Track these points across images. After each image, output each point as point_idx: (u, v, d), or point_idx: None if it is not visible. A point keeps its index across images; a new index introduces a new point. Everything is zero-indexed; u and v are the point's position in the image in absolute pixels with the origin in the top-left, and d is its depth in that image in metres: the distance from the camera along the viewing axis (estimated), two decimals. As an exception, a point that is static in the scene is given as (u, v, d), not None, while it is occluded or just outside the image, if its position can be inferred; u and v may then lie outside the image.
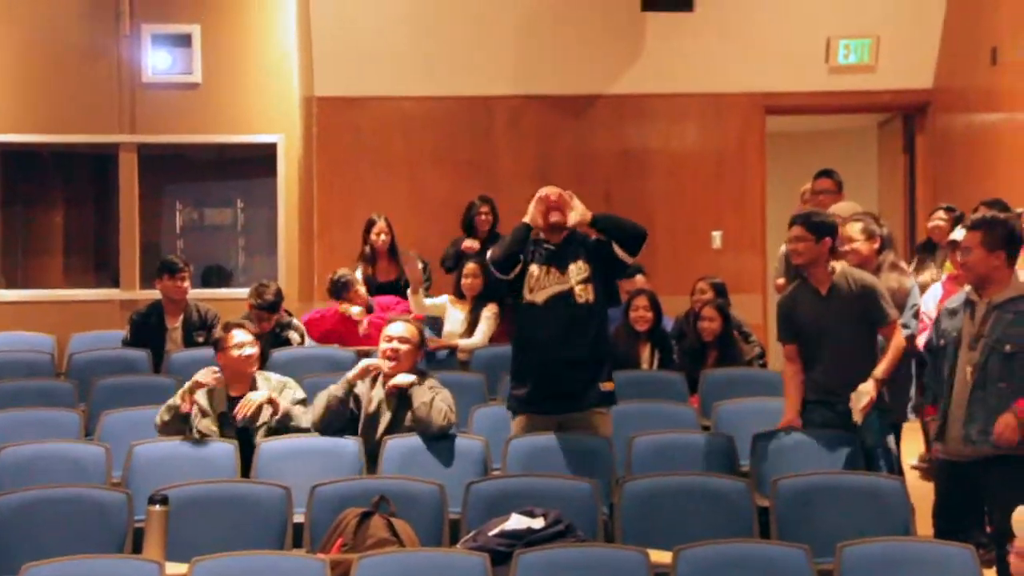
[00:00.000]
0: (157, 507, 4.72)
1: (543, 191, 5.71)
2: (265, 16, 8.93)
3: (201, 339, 7.65)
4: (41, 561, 4.29)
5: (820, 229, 5.62)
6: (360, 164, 10.03)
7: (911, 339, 5.97)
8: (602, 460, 5.64)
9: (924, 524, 5.19)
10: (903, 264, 6.55)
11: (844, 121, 11.35)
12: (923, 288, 6.68)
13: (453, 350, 7.62)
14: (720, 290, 7.86)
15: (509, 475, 5.47)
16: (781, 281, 7.39)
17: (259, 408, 5.82)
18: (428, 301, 7.85)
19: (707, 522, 5.02)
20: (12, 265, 9.14)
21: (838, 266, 5.72)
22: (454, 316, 7.76)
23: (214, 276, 9.32)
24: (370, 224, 8.38)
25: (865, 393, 5.43)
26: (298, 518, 5.12)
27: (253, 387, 5.91)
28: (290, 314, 7.84)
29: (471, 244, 8.43)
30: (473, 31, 10.00)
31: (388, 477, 5.42)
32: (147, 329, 7.68)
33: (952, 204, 7.68)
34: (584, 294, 5.57)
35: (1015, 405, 4.81)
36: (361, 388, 5.86)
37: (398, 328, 5.91)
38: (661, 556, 4.48)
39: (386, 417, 5.77)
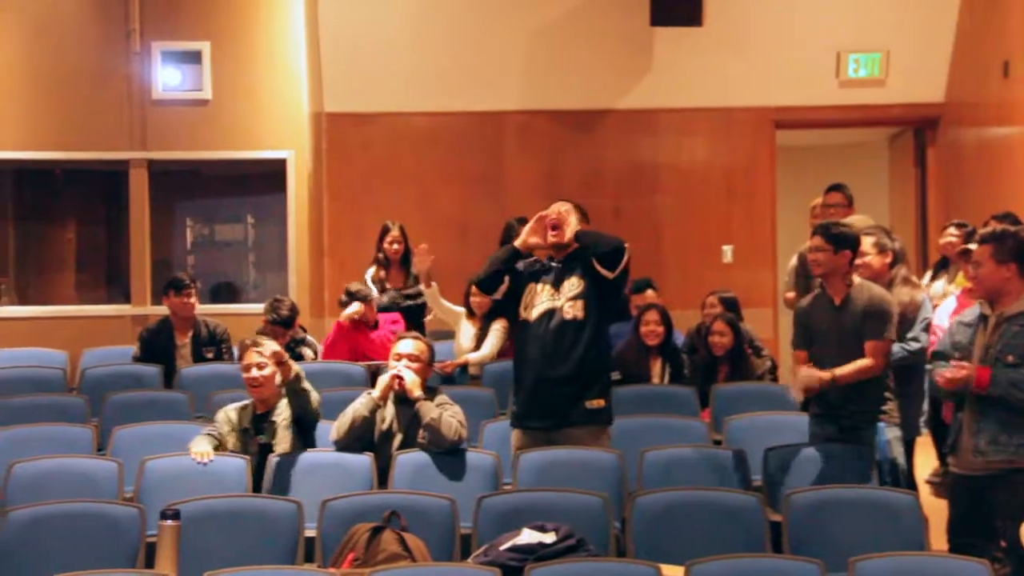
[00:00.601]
0: (169, 522, 4.70)
1: (548, 209, 5.68)
2: (274, 33, 8.96)
3: (210, 355, 7.67)
4: (54, 576, 4.31)
5: (840, 240, 5.63)
6: (370, 179, 10.05)
7: (923, 352, 5.96)
8: (613, 475, 5.63)
9: (938, 539, 5.17)
10: (915, 278, 6.54)
11: (855, 135, 11.35)
12: (935, 302, 6.67)
13: (464, 366, 7.61)
14: (730, 304, 7.86)
15: (520, 490, 5.45)
16: (791, 295, 7.38)
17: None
18: (446, 303, 7.85)
19: (719, 537, 4.99)
20: (25, 281, 9.18)
21: (857, 279, 5.71)
22: (466, 332, 7.76)
23: (225, 292, 9.33)
24: (384, 231, 8.39)
25: (814, 377, 5.41)
26: (309, 533, 5.11)
27: (277, 404, 5.89)
28: (304, 330, 7.84)
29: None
30: (482, 46, 10.02)
31: (399, 492, 5.41)
32: (157, 345, 7.69)
33: (964, 219, 7.67)
34: (572, 310, 5.50)
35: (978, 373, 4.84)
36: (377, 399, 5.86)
37: (407, 346, 5.91)
38: (673, 571, 4.46)
39: (399, 437, 5.79)
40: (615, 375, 7.26)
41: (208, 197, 9.56)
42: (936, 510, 5.61)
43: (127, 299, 8.93)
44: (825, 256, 5.62)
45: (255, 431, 5.85)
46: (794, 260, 7.53)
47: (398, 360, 5.85)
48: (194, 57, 8.85)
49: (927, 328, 6.10)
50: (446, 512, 5.16)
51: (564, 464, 5.56)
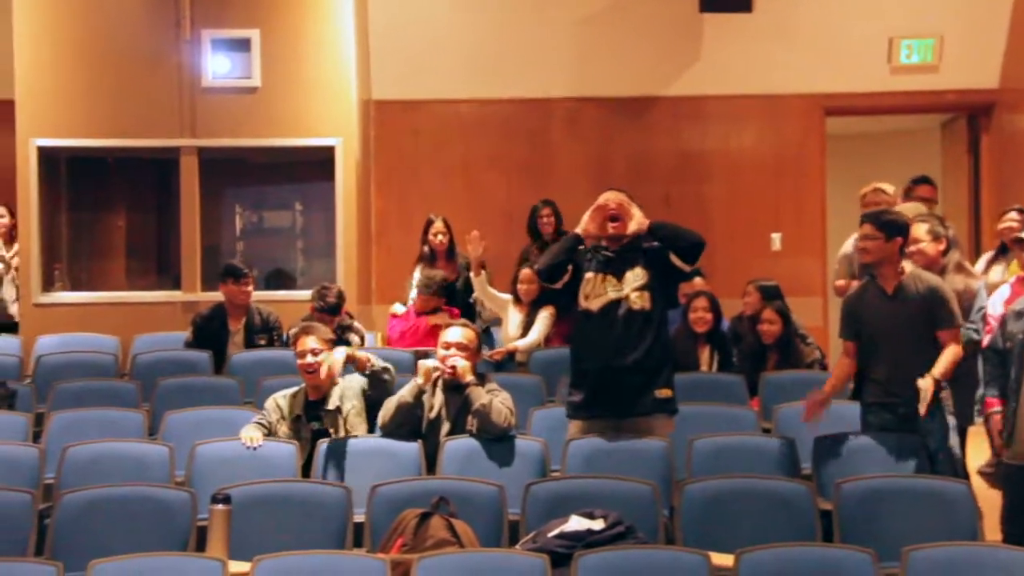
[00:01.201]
0: (220, 506, 4.75)
1: (603, 198, 5.67)
2: (323, 20, 8.96)
3: (263, 342, 7.71)
4: (106, 559, 4.34)
5: (890, 228, 5.58)
6: (418, 167, 10.07)
7: (977, 342, 5.90)
8: (662, 462, 5.61)
9: (991, 530, 5.12)
10: (968, 265, 6.49)
11: (906, 122, 11.23)
12: (991, 289, 6.59)
13: (511, 353, 7.62)
14: (772, 292, 7.78)
15: (569, 476, 5.45)
16: (842, 283, 7.32)
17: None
18: (493, 291, 7.86)
19: (768, 525, 4.97)
20: (78, 267, 9.25)
21: (908, 267, 5.65)
22: (513, 320, 7.76)
23: (273, 279, 9.37)
24: (428, 224, 8.42)
25: (924, 390, 5.37)
26: (358, 518, 5.14)
27: (330, 391, 5.92)
28: (351, 316, 7.87)
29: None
30: (530, 33, 10.00)
31: (448, 478, 5.43)
32: (210, 332, 7.74)
33: (1021, 205, 7.57)
34: (640, 301, 5.53)
35: None
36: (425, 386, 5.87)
37: (456, 334, 5.91)
38: (723, 559, 4.45)
39: (447, 424, 5.79)
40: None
41: (257, 184, 9.58)
42: (988, 500, 5.56)
43: (177, 285, 8.98)
44: (876, 244, 5.57)
45: (308, 418, 5.86)
46: (846, 247, 7.47)
47: (447, 348, 5.85)
48: (243, 45, 8.87)
49: (983, 317, 6.05)
50: (494, 498, 5.17)
51: (612, 452, 5.56)
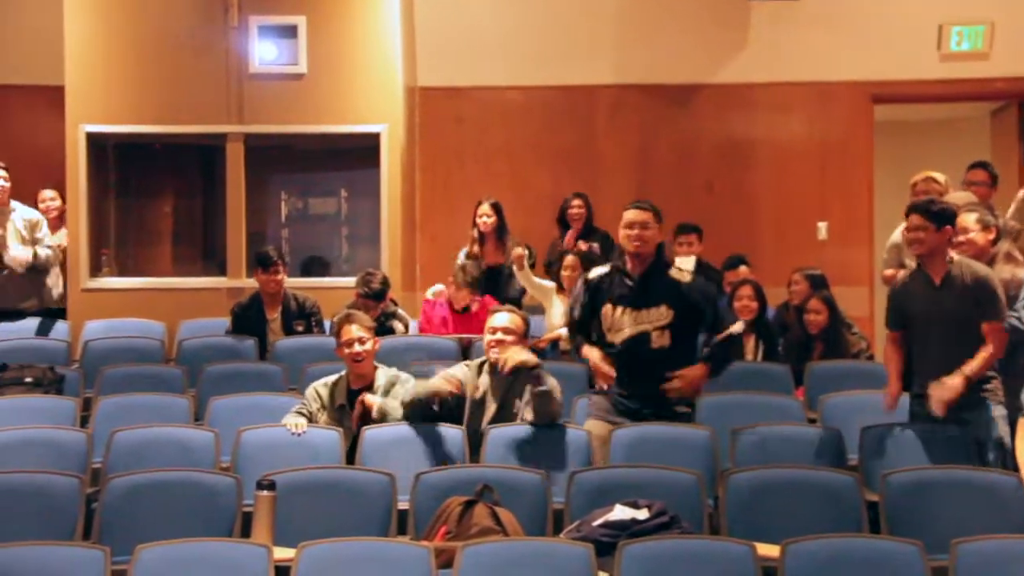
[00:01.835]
0: (265, 492, 4.77)
1: (626, 217, 5.63)
2: (369, 7, 8.96)
3: (300, 328, 7.72)
4: (153, 543, 4.38)
5: (940, 217, 5.53)
6: (462, 154, 10.07)
7: (1021, 331, 5.83)
8: (706, 452, 5.60)
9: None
10: (1018, 255, 6.41)
11: (955, 110, 11.10)
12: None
13: (555, 342, 7.60)
14: (819, 281, 7.74)
15: (613, 466, 5.42)
16: (890, 272, 7.26)
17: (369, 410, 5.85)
18: (537, 280, 7.85)
19: (814, 516, 4.93)
20: (125, 253, 9.30)
21: (956, 256, 5.60)
22: (557, 308, 7.74)
23: (318, 265, 9.39)
24: (477, 207, 8.44)
25: (950, 388, 5.32)
26: (402, 505, 5.14)
27: (374, 380, 5.92)
28: (395, 303, 7.87)
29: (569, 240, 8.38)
30: (575, 20, 9.97)
31: (492, 466, 5.42)
32: (248, 320, 7.78)
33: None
34: (660, 340, 5.52)
35: None
36: (467, 376, 5.86)
37: (502, 319, 5.90)
38: (768, 550, 4.42)
39: (492, 407, 5.77)
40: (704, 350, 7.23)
41: (302, 171, 9.60)
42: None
43: (223, 272, 9.02)
44: (927, 234, 5.51)
45: (351, 406, 5.87)
46: (895, 236, 7.40)
47: (493, 333, 5.84)
48: (290, 31, 8.88)
49: None
50: (538, 487, 5.17)
51: (656, 441, 5.54)
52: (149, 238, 9.54)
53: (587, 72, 10.03)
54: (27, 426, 5.96)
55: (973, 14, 9.80)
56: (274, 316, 7.79)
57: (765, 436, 5.79)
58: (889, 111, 10.29)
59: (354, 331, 5.90)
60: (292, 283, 8.02)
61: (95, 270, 8.95)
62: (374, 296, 7.48)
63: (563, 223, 8.75)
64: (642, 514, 4.69)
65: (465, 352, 7.41)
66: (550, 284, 7.84)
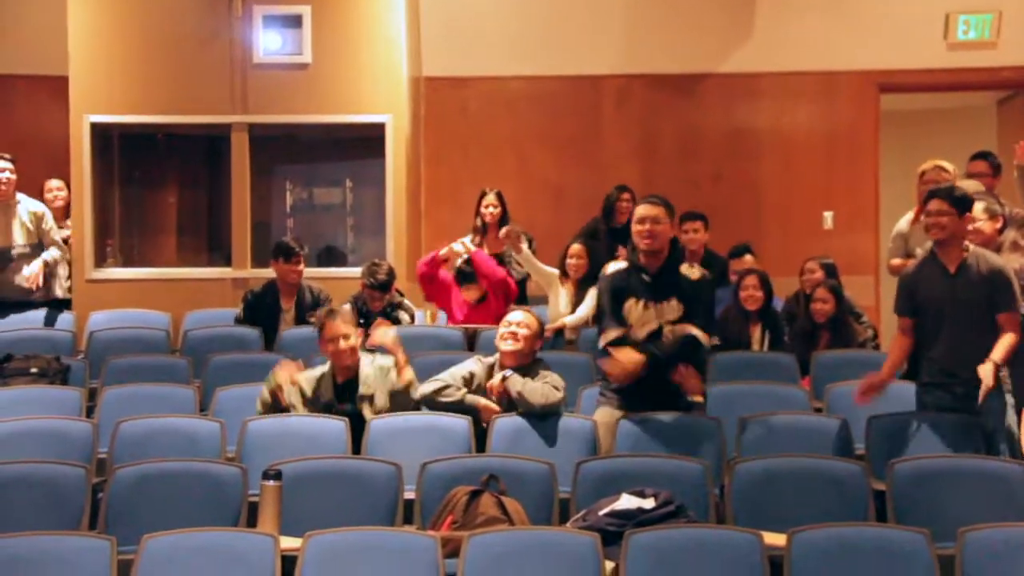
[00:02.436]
0: (271, 482, 4.76)
1: (637, 213, 5.64)
2: (374, -4, 8.95)
3: (313, 319, 7.70)
4: (160, 533, 4.38)
5: (962, 203, 5.52)
6: (467, 144, 10.04)
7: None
8: (713, 441, 5.59)
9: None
10: (1024, 243, 6.42)
11: (961, 99, 11.06)
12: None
13: (560, 331, 7.59)
14: (830, 270, 7.75)
15: (619, 455, 5.42)
16: (896, 262, 7.24)
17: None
18: (540, 265, 7.82)
19: (821, 505, 4.93)
20: (129, 244, 9.29)
21: (971, 246, 5.58)
22: (562, 296, 7.72)
23: (323, 256, 9.38)
24: (481, 196, 8.41)
25: (986, 374, 5.29)
26: (409, 495, 5.14)
27: (359, 373, 5.93)
28: (401, 294, 7.87)
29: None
30: (580, 9, 9.95)
31: (498, 456, 5.42)
32: (261, 309, 7.77)
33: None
34: (672, 334, 5.52)
35: None
36: (479, 371, 5.90)
37: (518, 315, 5.98)
38: (775, 539, 4.42)
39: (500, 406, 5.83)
40: (715, 340, 7.22)
41: (307, 161, 9.58)
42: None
43: (228, 262, 9.00)
44: (950, 219, 5.49)
45: (340, 400, 5.88)
46: (900, 225, 7.38)
47: (507, 326, 5.91)
48: (295, 21, 8.85)
49: None
50: (544, 476, 5.16)
51: (662, 430, 5.53)
52: (154, 229, 9.52)
53: (592, 62, 10.01)
54: (33, 416, 5.97)
55: (980, 3, 9.75)
56: (289, 307, 7.78)
57: (771, 425, 5.78)
58: (895, 100, 10.26)
59: (340, 328, 5.91)
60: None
61: (100, 261, 8.93)
62: (380, 287, 7.47)
63: (608, 215, 8.66)
64: (648, 503, 4.69)
65: (471, 343, 7.40)
66: (552, 270, 7.82)
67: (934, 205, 5.54)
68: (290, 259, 7.69)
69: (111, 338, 7.79)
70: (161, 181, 9.56)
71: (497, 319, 6.69)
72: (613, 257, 7.60)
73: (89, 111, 8.82)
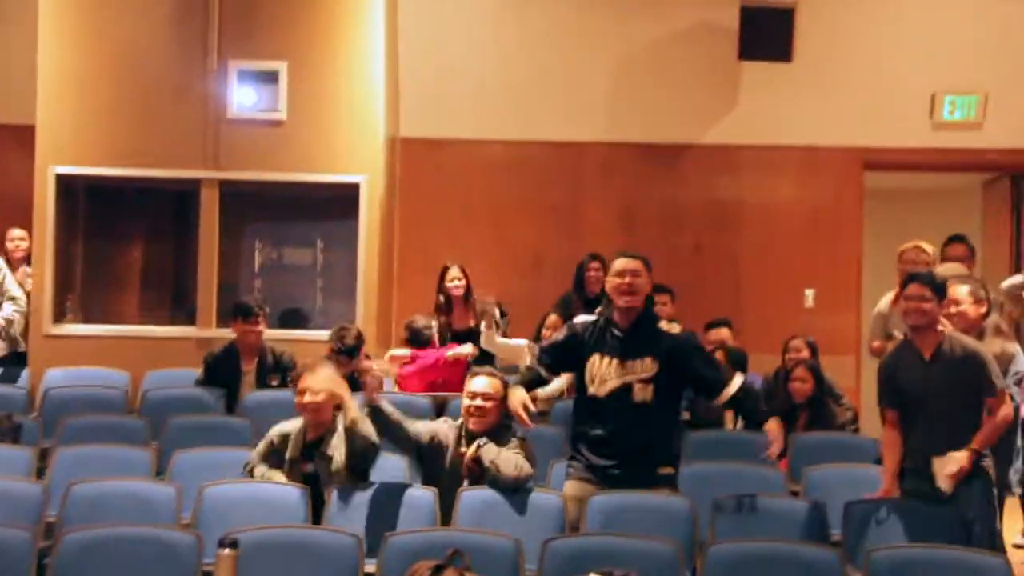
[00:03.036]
0: (227, 551, 4.58)
1: (616, 265, 5.56)
2: (353, 55, 8.87)
3: (275, 382, 7.59)
4: (107, 601, 4.20)
5: (942, 290, 5.50)
6: (443, 207, 9.97)
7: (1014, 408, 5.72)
8: (684, 523, 5.44)
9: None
10: (1006, 328, 6.39)
11: (946, 180, 11.08)
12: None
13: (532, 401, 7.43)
14: (815, 350, 7.66)
15: (588, 533, 5.28)
16: (877, 344, 7.19)
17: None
18: (502, 340, 7.71)
19: (796, 593, 4.77)
20: (90, 299, 9.14)
21: (948, 331, 5.48)
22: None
23: (291, 317, 9.24)
24: (444, 271, 8.28)
25: (955, 461, 5.23)
26: (369, 568, 5.00)
27: (329, 433, 5.78)
28: (369, 358, 7.72)
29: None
30: (564, 76, 9.95)
31: (463, 530, 5.27)
32: (221, 371, 7.65)
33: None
34: (642, 394, 5.38)
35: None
36: (449, 438, 5.74)
37: (481, 383, 5.77)
38: (749, 628, 4.24)
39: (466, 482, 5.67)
40: (685, 415, 7.10)
41: (278, 220, 9.46)
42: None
43: (192, 321, 8.86)
44: (931, 306, 5.43)
45: (304, 457, 5.75)
46: (881, 306, 7.31)
47: (472, 399, 5.71)
48: (271, 77, 8.78)
49: (1018, 382, 5.99)
50: (511, 553, 5.01)
51: (634, 509, 5.39)
52: (117, 284, 9.40)
53: (574, 129, 9.99)
54: (-20, 475, 5.80)
55: (967, 84, 9.80)
56: (249, 368, 7.65)
57: (746, 507, 5.62)
58: (879, 178, 10.25)
59: (306, 380, 5.82)
60: (265, 335, 7.85)
61: (59, 316, 8.79)
62: (347, 352, 7.36)
63: (579, 286, 8.54)
64: (618, 585, 4.51)
65: (440, 411, 7.26)
66: (519, 342, 7.69)
67: (914, 290, 5.47)
68: (248, 319, 7.58)
69: (67, 396, 7.66)
70: (127, 235, 9.44)
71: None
72: None
73: (55, 162, 8.73)
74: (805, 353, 7.62)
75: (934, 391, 5.38)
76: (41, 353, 8.54)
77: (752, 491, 5.87)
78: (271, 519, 5.24)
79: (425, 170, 9.93)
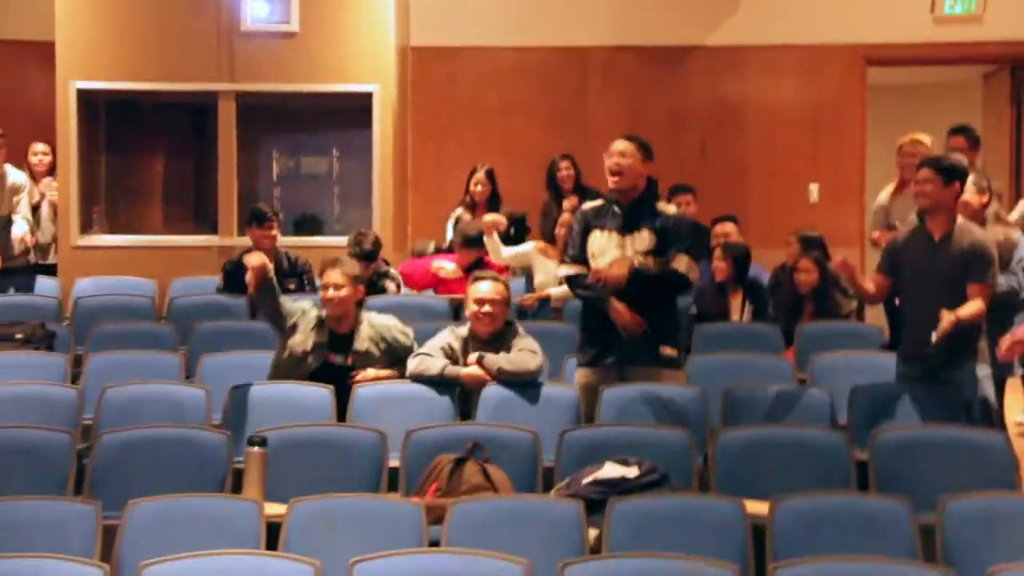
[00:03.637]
0: (256, 449, 4.78)
1: (613, 148, 5.59)
2: (363, -37, 8.90)
3: (292, 286, 7.68)
4: (145, 498, 4.38)
5: (950, 172, 5.48)
6: (454, 114, 10.02)
7: (1015, 293, 5.86)
8: (695, 411, 5.60)
9: (1028, 482, 5.09)
10: (1006, 216, 6.45)
11: (947, 74, 11.09)
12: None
13: (546, 300, 7.59)
14: (811, 243, 7.71)
15: (603, 424, 5.43)
16: (877, 234, 7.27)
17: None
18: (509, 250, 7.79)
19: (804, 475, 4.95)
20: (115, 211, 9.26)
21: (961, 220, 5.58)
22: (545, 267, 7.71)
23: (309, 224, 9.36)
24: (472, 173, 8.41)
25: (948, 319, 5.24)
26: (393, 462, 5.14)
27: (357, 329, 5.93)
28: (387, 263, 7.87)
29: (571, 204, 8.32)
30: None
31: (483, 424, 5.43)
32: (240, 277, 7.70)
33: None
34: (654, 265, 5.49)
35: None
36: (457, 345, 5.87)
37: (485, 287, 5.87)
38: (758, 507, 4.44)
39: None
40: (692, 310, 7.24)
41: (294, 130, 9.53)
42: (1025, 453, 5.53)
43: (214, 230, 8.98)
44: (934, 187, 5.46)
45: (330, 348, 5.89)
46: (881, 198, 7.42)
47: (480, 305, 5.82)
48: (283, -12, 8.85)
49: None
50: (529, 445, 5.17)
51: (645, 400, 5.54)
52: (140, 196, 9.49)
53: (580, 33, 9.99)
54: (18, 382, 5.97)
55: (968, -23, 9.77)
56: (266, 273, 7.76)
57: (755, 396, 5.79)
58: (882, 74, 10.27)
59: (331, 276, 5.93)
60: (284, 242, 7.99)
61: (86, 227, 8.92)
62: (365, 256, 7.46)
63: (552, 185, 8.66)
64: (632, 472, 4.71)
65: (456, 312, 7.40)
66: (525, 247, 7.80)
67: (921, 173, 5.54)
68: (262, 224, 7.64)
69: (97, 305, 7.78)
70: (148, 148, 9.51)
71: None
72: None
73: (75, 77, 8.77)
74: (795, 247, 7.60)
75: (936, 274, 5.44)
76: (70, 263, 8.66)
77: (760, 381, 6.08)
78: (298, 418, 5.40)
79: (436, 78, 9.95)
